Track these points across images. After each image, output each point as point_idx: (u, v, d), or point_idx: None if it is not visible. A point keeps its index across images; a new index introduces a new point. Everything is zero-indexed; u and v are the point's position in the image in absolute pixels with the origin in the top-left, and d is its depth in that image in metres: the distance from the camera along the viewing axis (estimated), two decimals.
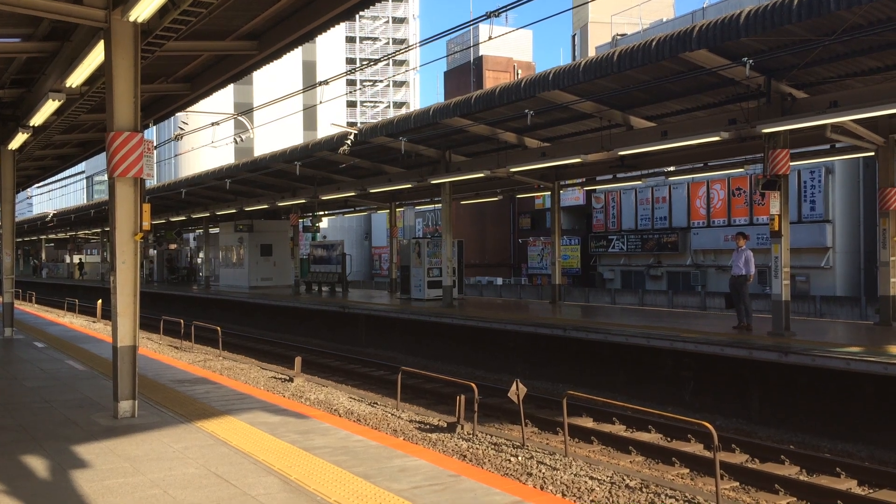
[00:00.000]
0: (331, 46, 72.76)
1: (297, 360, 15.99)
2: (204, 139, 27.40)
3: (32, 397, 9.79)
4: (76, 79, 10.97)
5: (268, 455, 6.84)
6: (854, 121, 13.53)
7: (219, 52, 11.63)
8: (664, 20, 40.03)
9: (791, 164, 14.11)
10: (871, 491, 9.48)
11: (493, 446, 9.63)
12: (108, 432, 7.82)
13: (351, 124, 51.80)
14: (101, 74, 10.32)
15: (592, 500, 7.52)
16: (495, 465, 8.79)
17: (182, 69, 12.78)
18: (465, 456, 9.20)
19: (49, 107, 12.41)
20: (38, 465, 6.62)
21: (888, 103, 11.86)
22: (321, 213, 35.60)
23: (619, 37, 40.08)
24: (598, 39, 44.97)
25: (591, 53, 42.39)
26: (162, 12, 8.52)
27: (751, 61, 12.29)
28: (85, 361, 13.07)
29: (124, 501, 5.66)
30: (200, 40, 10.81)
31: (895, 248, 15.37)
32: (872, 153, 15.71)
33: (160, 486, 5.99)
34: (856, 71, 13.16)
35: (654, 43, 12.86)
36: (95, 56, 9.76)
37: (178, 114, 17.08)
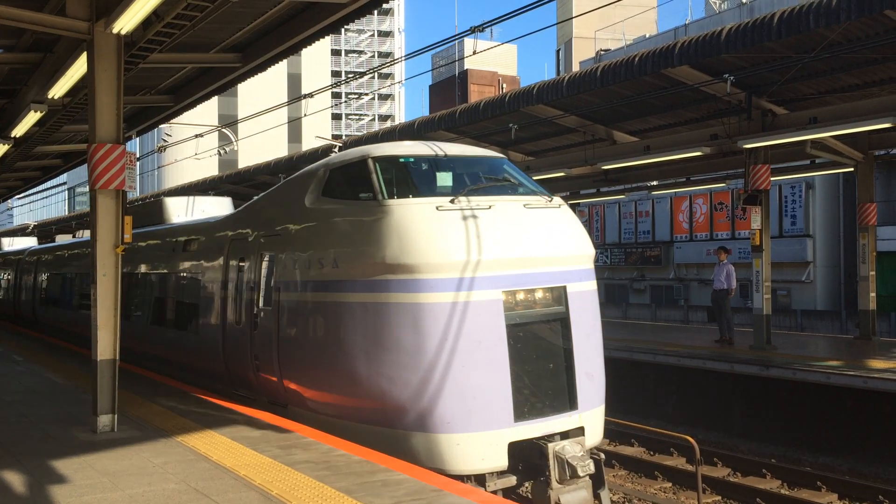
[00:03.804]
0: (316, 59, 72.68)
1: None
2: (188, 151, 27.28)
3: (10, 412, 9.66)
4: (58, 90, 10.92)
5: (249, 470, 6.79)
6: (833, 137, 13.69)
7: (203, 65, 11.62)
8: (647, 36, 40.39)
9: (772, 179, 14.25)
10: None
11: None
12: (87, 447, 7.73)
13: (336, 137, 51.75)
14: (84, 86, 10.28)
15: None
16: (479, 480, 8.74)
17: (166, 81, 12.75)
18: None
19: (31, 118, 12.34)
20: (15, 480, 6.53)
21: (866, 119, 12.02)
22: None
23: (602, 52, 40.40)
24: (582, 54, 45.30)
25: (576, 68, 42.68)
26: (146, 24, 8.50)
27: (732, 77, 12.41)
28: (65, 375, 12.93)
29: None
30: (184, 52, 10.80)
31: (874, 262, 15.53)
32: (852, 168, 15.89)
33: (139, 502, 5.93)
34: (835, 88, 13.33)
35: (636, 59, 12.97)
36: (78, 67, 9.73)
37: (161, 125, 17.03)
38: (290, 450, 7.56)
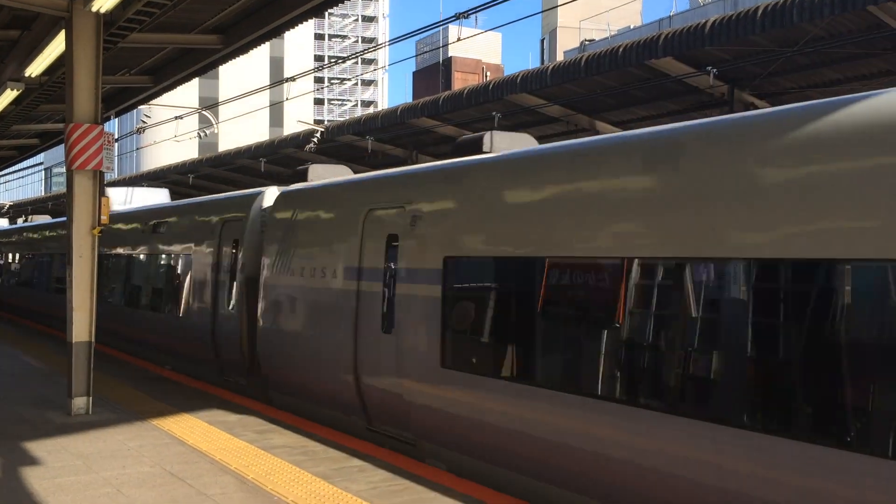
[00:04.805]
0: (299, 43, 72.18)
1: None
2: (167, 133, 27.02)
3: None
4: (36, 68, 10.77)
5: (225, 454, 6.76)
6: None
7: (183, 46, 11.47)
8: (632, 27, 40.47)
9: None
10: None
11: None
12: (61, 429, 7.66)
13: (318, 122, 51.53)
14: (62, 64, 10.13)
15: None
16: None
17: (145, 61, 12.59)
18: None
19: (7, 96, 12.16)
20: None
21: None
22: None
23: (587, 42, 40.43)
24: (567, 44, 45.31)
25: (560, 58, 42.72)
26: (125, 3, 8.38)
27: (715, 70, 12.47)
28: (40, 357, 12.80)
29: (76, 500, 5.54)
30: (165, 33, 10.65)
31: None
32: None
33: (113, 485, 5.88)
34: (817, 83, 13.41)
35: (621, 49, 12.98)
36: (56, 46, 9.59)
37: (140, 107, 16.85)
38: (267, 434, 7.54)
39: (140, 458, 6.63)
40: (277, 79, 62.22)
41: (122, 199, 16.50)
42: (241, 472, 6.25)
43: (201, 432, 7.57)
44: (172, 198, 16.94)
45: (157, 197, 16.75)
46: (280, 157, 23.25)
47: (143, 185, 20.97)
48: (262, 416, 8.35)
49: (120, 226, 14.35)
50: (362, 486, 5.92)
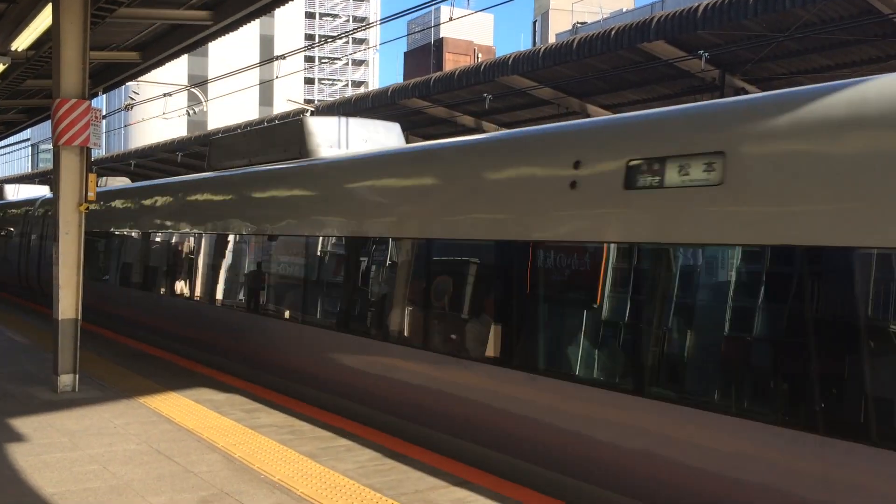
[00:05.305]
0: (289, 21, 71.54)
1: None
2: (155, 110, 26.79)
3: None
4: (22, 42, 10.64)
5: (212, 433, 6.76)
6: None
7: (173, 21, 11.35)
8: (624, 10, 40.39)
9: None
10: None
11: None
12: (47, 406, 7.63)
13: (308, 101, 51.23)
14: (49, 39, 10.00)
15: None
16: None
17: (134, 37, 12.46)
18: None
19: None
20: None
21: None
22: None
23: (579, 25, 40.31)
24: (559, 27, 45.17)
25: (552, 40, 42.60)
26: None
27: (707, 54, 12.47)
28: (26, 334, 12.74)
29: (61, 476, 5.53)
30: (154, 7, 10.54)
31: None
32: None
33: (99, 462, 5.88)
34: (807, 68, 13.42)
35: (613, 32, 12.95)
36: (43, 19, 9.47)
37: (129, 83, 16.69)
38: (254, 413, 7.54)
39: (126, 436, 6.63)
40: (267, 57, 61.76)
41: (335, 138, 10.42)
42: (228, 450, 6.25)
43: (188, 410, 7.56)
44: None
45: (388, 135, 10.95)
46: None
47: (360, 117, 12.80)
48: (250, 394, 8.35)
49: (400, 183, 8.04)
50: (349, 465, 5.93)
